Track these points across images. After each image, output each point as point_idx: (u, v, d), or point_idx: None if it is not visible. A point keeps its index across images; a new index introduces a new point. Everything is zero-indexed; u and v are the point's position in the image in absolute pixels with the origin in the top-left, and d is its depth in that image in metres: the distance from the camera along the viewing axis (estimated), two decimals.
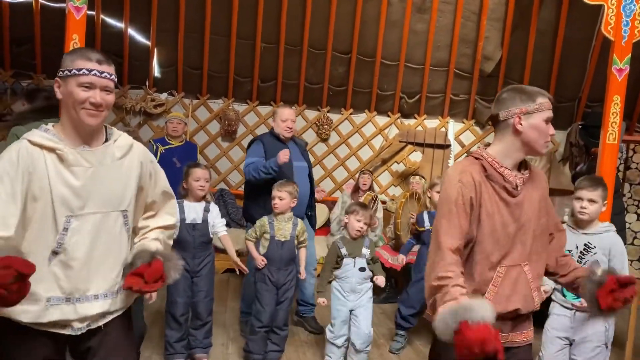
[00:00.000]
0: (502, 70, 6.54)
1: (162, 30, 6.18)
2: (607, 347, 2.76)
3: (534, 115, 1.79)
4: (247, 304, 3.86)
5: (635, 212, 6.16)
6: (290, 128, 3.91)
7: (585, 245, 2.72)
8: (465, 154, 6.93)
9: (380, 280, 3.28)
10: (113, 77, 1.69)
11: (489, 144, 1.91)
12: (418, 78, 6.67)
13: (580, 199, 2.71)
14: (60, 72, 1.66)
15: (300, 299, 4.12)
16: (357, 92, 6.75)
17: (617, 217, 4.34)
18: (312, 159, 4.98)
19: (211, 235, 3.35)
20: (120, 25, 6.08)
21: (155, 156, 4.87)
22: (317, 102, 6.79)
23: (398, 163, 6.94)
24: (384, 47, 6.40)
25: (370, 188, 5.56)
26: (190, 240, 3.24)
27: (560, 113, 6.36)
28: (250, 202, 3.91)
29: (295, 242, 3.43)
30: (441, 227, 1.78)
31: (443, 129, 6.87)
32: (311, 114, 6.85)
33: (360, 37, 6.32)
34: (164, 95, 6.49)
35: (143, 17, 6.08)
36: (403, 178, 6.84)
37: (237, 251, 5.47)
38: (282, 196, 3.36)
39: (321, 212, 5.98)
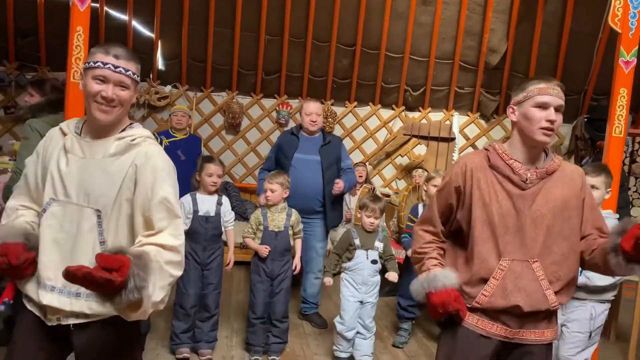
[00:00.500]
0: (508, 62, 6.50)
1: (166, 23, 6.17)
2: (590, 336, 2.72)
3: (523, 104, 1.83)
4: None
5: None
6: (315, 121, 3.95)
7: None
8: (470, 147, 6.91)
9: (393, 277, 3.29)
10: (130, 73, 1.64)
11: (508, 138, 1.94)
12: (423, 70, 6.63)
13: None
14: (83, 65, 1.67)
15: (303, 297, 4.13)
16: (361, 85, 6.73)
17: (623, 211, 4.31)
18: None
19: (222, 229, 3.37)
20: (124, 17, 6.07)
21: None
22: (321, 94, 6.77)
23: (402, 156, 6.92)
24: (388, 39, 6.37)
25: (367, 180, 5.53)
26: (203, 233, 3.26)
27: (566, 106, 6.27)
28: None
29: (290, 232, 3.45)
30: (426, 211, 2.04)
31: (447, 122, 6.85)
32: None
33: (365, 29, 6.29)
34: (168, 88, 6.49)
35: (147, 9, 6.07)
36: (407, 171, 6.82)
37: (240, 244, 5.53)
38: (274, 188, 3.38)
39: None
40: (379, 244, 3.33)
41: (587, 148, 6.35)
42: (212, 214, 3.31)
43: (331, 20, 6.24)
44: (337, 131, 6.87)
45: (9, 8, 5.69)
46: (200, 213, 3.27)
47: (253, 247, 3.41)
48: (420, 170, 5.57)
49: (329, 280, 3.29)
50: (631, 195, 6.01)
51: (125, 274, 1.38)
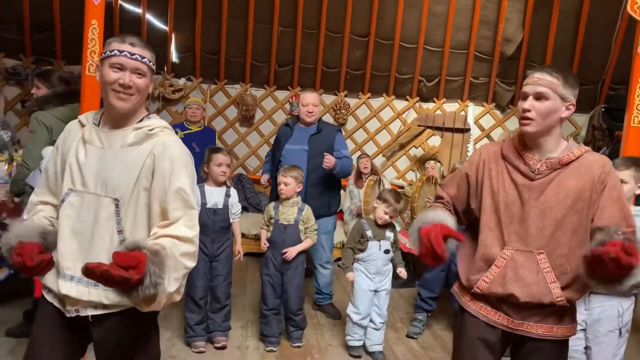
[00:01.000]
0: (523, 52, 6.42)
1: (179, 16, 6.19)
2: (621, 333, 2.68)
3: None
4: None
5: None
6: (311, 112, 3.89)
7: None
8: (485, 138, 6.86)
9: (403, 273, 3.32)
10: (146, 60, 1.65)
11: None
12: (437, 61, 6.58)
13: None
14: (100, 56, 1.69)
15: (317, 288, 4.15)
16: (375, 76, 6.70)
17: None
18: None
19: (231, 221, 3.38)
20: (138, 10, 6.10)
21: None
22: (335, 86, 6.76)
23: (416, 147, 6.89)
24: (402, 29, 6.32)
25: (373, 171, 5.50)
26: (211, 225, 3.27)
27: (583, 96, 6.18)
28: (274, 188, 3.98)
29: (301, 227, 3.43)
30: (438, 189, 2.13)
31: (462, 113, 6.79)
32: (328, 99, 6.82)
33: (379, 19, 6.25)
34: (182, 81, 6.52)
35: (161, 2, 6.10)
36: (421, 163, 6.79)
37: (255, 235, 5.56)
38: (287, 181, 3.38)
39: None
40: (389, 234, 3.36)
41: (604, 138, 6.26)
42: (220, 206, 3.31)
43: (344, 11, 6.21)
44: (351, 123, 6.86)
45: (25, 3, 5.75)
46: (209, 205, 3.28)
47: (262, 239, 3.45)
48: (433, 161, 5.55)
49: (351, 276, 3.31)
50: None
51: (142, 271, 1.40)
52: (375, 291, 3.34)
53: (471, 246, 1.95)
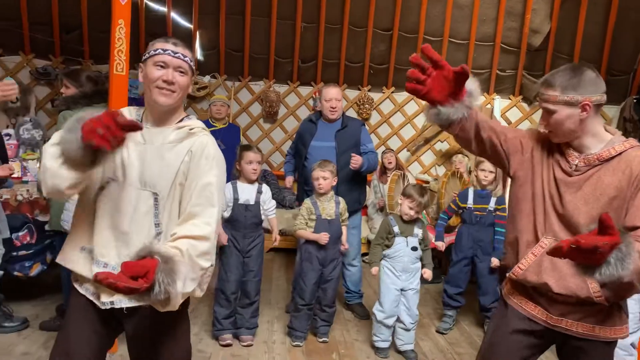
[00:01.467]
0: (551, 43, 6.28)
1: (204, 13, 6.24)
2: None
3: None
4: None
5: None
6: (334, 108, 3.86)
7: None
8: None
9: (428, 274, 3.28)
10: (187, 59, 1.71)
11: None
12: (462, 54, 6.49)
13: None
14: (142, 58, 1.73)
15: (345, 287, 4.14)
16: (399, 70, 6.64)
17: None
18: None
19: (262, 217, 3.41)
20: (163, 9, 6.18)
21: None
22: (358, 81, 6.73)
23: (442, 142, 6.82)
24: (426, 22, 6.26)
25: (397, 166, 5.47)
26: (242, 220, 3.32)
27: (613, 87, 6.06)
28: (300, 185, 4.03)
29: (340, 219, 3.50)
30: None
31: (489, 106, 6.69)
32: (352, 94, 6.80)
33: (402, 13, 6.19)
34: (206, 78, 6.58)
35: (185, 0, 6.15)
36: (447, 157, 6.72)
37: (280, 230, 5.60)
38: (326, 176, 3.41)
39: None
40: (418, 230, 3.32)
41: (636, 130, 6.09)
42: (252, 202, 3.35)
43: (368, 5, 6.17)
44: (374, 117, 6.82)
45: (54, 5, 5.87)
46: (241, 201, 3.32)
47: (310, 237, 3.41)
48: (460, 155, 5.48)
49: (375, 270, 3.30)
50: None
51: (151, 279, 1.42)
52: (402, 290, 3.29)
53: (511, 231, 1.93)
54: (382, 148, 6.77)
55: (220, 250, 3.39)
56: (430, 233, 4.92)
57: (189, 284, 1.56)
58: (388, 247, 3.31)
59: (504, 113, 6.75)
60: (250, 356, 3.24)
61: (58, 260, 1.75)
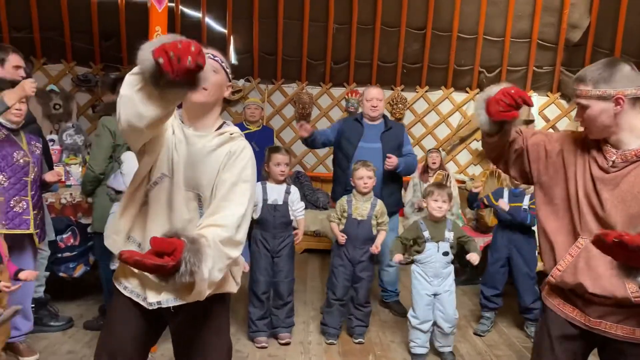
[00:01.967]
0: (591, 38, 6.10)
1: (237, 18, 6.33)
2: None
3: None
4: None
5: None
6: (376, 107, 3.89)
7: None
8: (550, 130, 6.58)
9: (474, 258, 3.20)
10: (218, 59, 1.75)
11: None
12: (498, 51, 6.38)
13: None
14: None
15: (382, 286, 4.13)
16: (432, 69, 6.58)
17: None
18: None
19: (291, 217, 3.44)
20: (198, 15, 6.28)
21: None
22: (391, 81, 6.69)
23: (478, 141, 6.70)
24: (460, 20, 6.17)
25: (441, 166, 5.42)
26: (271, 221, 3.35)
27: None
28: (335, 184, 4.02)
29: (374, 222, 3.46)
30: None
31: None
32: (384, 94, 6.74)
33: (436, 11, 6.13)
34: (241, 82, 6.66)
35: (219, 5, 6.25)
36: (483, 156, 6.61)
37: (314, 232, 5.61)
38: (371, 175, 3.44)
39: None
40: (449, 235, 3.25)
41: None
42: (280, 202, 3.38)
43: (400, 4, 6.14)
44: (408, 117, 6.77)
45: (94, 14, 6.05)
46: (269, 201, 3.36)
47: (335, 232, 3.49)
48: None
49: (399, 257, 3.27)
50: None
51: (178, 257, 1.40)
52: (435, 294, 3.23)
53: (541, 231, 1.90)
54: (417, 148, 6.72)
55: (250, 251, 3.45)
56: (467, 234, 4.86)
57: (215, 273, 1.56)
58: (418, 252, 3.27)
59: (541, 110, 6.60)
60: (286, 356, 3.27)
61: (106, 243, 1.78)
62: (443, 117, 6.74)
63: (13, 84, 2.82)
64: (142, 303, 1.74)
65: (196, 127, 1.77)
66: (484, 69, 6.53)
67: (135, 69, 1.42)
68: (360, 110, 6.45)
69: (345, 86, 6.73)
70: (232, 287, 1.82)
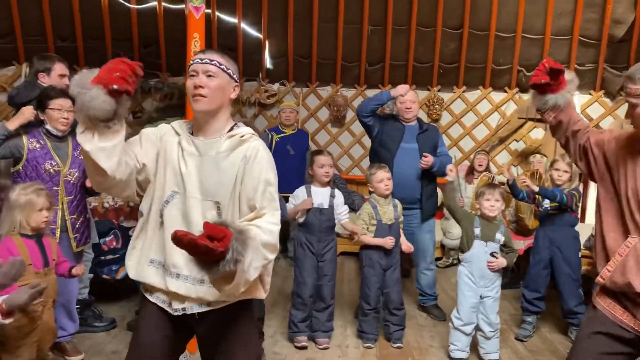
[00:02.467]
0: (636, 33, 5.89)
1: (272, 22, 6.38)
2: None
3: None
4: None
5: None
6: (410, 108, 3.86)
7: None
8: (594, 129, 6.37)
9: (501, 262, 3.11)
10: (215, 62, 1.72)
11: None
12: (537, 49, 6.22)
13: None
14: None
15: (419, 289, 4.09)
16: (469, 69, 6.48)
17: None
18: None
19: (336, 221, 3.44)
20: (233, 20, 6.37)
21: (271, 145, 5.08)
22: (427, 81, 6.62)
23: (517, 141, 6.56)
24: (498, 18, 6.06)
25: (487, 169, 5.34)
26: (317, 224, 3.36)
27: None
28: None
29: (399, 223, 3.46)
30: None
31: None
32: (421, 94, 6.67)
33: (472, 10, 6.04)
34: (276, 86, 6.71)
35: (255, 10, 6.32)
36: (523, 157, 6.45)
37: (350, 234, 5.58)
38: (389, 176, 3.41)
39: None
40: (500, 236, 3.17)
41: None
42: (326, 205, 3.39)
43: (436, 4, 6.07)
44: (445, 118, 6.68)
45: (133, 22, 6.21)
46: (315, 205, 3.37)
47: (374, 242, 3.38)
48: (539, 155, 5.25)
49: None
50: None
51: (227, 244, 1.41)
52: (481, 297, 3.16)
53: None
54: (454, 150, 6.63)
55: (296, 254, 3.47)
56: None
57: (252, 270, 1.55)
58: (463, 251, 3.23)
59: (584, 109, 6.40)
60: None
61: (131, 276, 1.81)
62: (481, 117, 6.62)
63: (61, 91, 2.95)
64: (167, 309, 1.76)
65: (206, 134, 1.76)
66: (523, 67, 6.38)
67: (80, 120, 1.52)
68: (395, 111, 6.47)
69: (380, 87, 6.69)
70: (260, 294, 1.81)
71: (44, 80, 3.24)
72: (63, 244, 2.87)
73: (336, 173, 6.57)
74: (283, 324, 3.63)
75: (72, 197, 3.02)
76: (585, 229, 4.12)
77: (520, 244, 4.57)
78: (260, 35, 6.47)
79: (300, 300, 3.38)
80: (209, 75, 1.72)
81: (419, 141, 3.83)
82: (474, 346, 3.28)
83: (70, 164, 3.01)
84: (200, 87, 1.70)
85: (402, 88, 3.87)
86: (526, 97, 6.54)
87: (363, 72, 6.61)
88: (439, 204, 5.39)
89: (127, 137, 1.66)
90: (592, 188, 5.82)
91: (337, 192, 3.48)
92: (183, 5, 5.98)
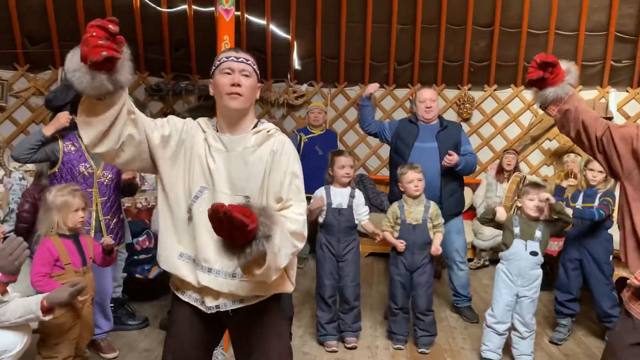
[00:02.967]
0: None
1: (300, 23, 6.41)
2: None
3: None
4: None
5: None
6: (429, 107, 3.81)
7: None
8: None
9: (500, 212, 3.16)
10: (250, 62, 1.77)
11: None
12: (571, 46, 6.08)
13: None
14: (211, 72, 1.82)
15: (452, 290, 4.04)
16: (501, 67, 6.38)
17: None
18: None
19: (356, 221, 3.42)
20: (262, 22, 6.42)
21: (299, 146, 5.09)
22: (457, 80, 6.54)
23: (550, 140, 6.41)
24: (530, 15, 5.95)
25: (516, 168, 5.24)
26: (336, 224, 3.35)
27: None
28: (393, 186, 3.94)
29: (430, 225, 3.37)
30: None
31: (603, 100, 6.19)
32: (451, 93, 6.61)
33: (503, 7, 5.94)
34: (304, 86, 6.74)
35: (283, 11, 6.35)
36: (557, 157, 6.30)
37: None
38: (421, 177, 3.35)
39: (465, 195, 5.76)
40: (538, 233, 3.09)
41: None
42: (345, 206, 3.36)
43: (466, 1, 5.99)
44: (476, 117, 6.59)
45: (165, 25, 6.32)
46: (334, 205, 3.35)
47: (391, 241, 3.40)
48: (572, 154, 5.14)
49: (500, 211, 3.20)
50: None
51: (256, 220, 1.40)
52: (517, 296, 3.10)
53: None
54: (486, 149, 6.53)
55: (316, 255, 3.46)
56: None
57: (282, 257, 1.54)
58: (500, 251, 3.19)
59: (620, 107, 6.22)
60: None
61: (162, 266, 1.83)
62: (513, 116, 6.51)
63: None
64: (200, 307, 1.78)
65: (233, 131, 1.78)
66: None
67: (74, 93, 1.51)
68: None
69: (409, 87, 6.64)
70: (288, 287, 1.83)
71: None
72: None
73: (364, 173, 6.56)
74: (312, 324, 3.63)
75: (106, 198, 3.09)
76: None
77: (554, 246, 4.47)
78: (289, 37, 6.50)
79: (323, 301, 3.38)
80: (245, 75, 1.75)
81: (438, 140, 3.77)
82: (507, 347, 3.22)
83: (104, 166, 3.08)
84: (238, 85, 1.72)
85: (371, 87, 3.98)
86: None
87: (392, 71, 6.58)
88: (466, 204, 5.35)
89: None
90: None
91: (357, 192, 3.44)
92: (213, 8, 6.10)
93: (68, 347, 2.52)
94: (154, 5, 6.13)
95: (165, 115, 6.44)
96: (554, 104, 1.91)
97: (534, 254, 3.07)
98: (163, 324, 3.56)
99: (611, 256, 3.60)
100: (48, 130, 2.96)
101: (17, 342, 2.22)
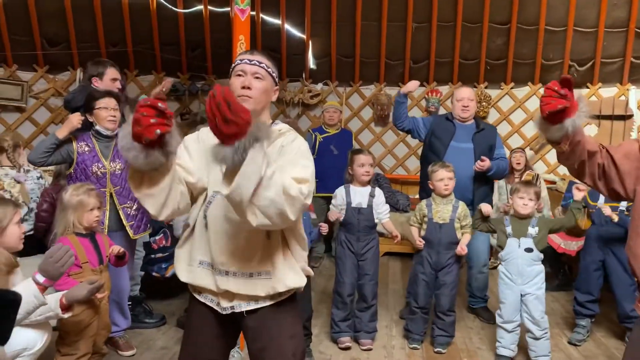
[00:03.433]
0: None
1: (315, 22, 6.41)
2: None
3: None
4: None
5: None
6: (467, 107, 3.77)
7: None
8: None
9: (486, 209, 3.21)
10: (263, 65, 1.76)
11: None
12: (590, 43, 5.99)
13: None
14: (229, 74, 1.83)
15: (469, 292, 4.02)
16: (518, 64, 6.31)
17: None
18: None
19: (375, 221, 3.41)
20: (277, 21, 6.43)
21: (314, 145, 5.10)
22: (474, 78, 6.48)
23: None
24: (548, 12, 5.87)
25: (527, 167, 5.16)
26: (355, 224, 3.35)
27: None
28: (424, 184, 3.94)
29: (457, 224, 3.34)
30: None
31: (622, 97, 6.09)
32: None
33: (520, 4, 5.87)
34: (319, 86, 6.73)
35: (298, 11, 6.36)
36: None
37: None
38: (451, 176, 3.34)
39: None
40: (532, 230, 3.10)
41: None
42: (365, 205, 3.36)
43: None
44: (493, 115, 6.52)
45: (181, 26, 6.36)
46: (353, 204, 3.36)
47: (414, 237, 3.42)
48: None
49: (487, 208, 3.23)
50: None
51: (250, 117, 1.35)
52: (522, 295, 3.09)
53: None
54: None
55: (336, 252, 3.46)
56: (558, 237, 4.59)
57: (263, 190, 1.42)
58: (501, 249, 3.20)
59: None
60: None
61: (181, 279, 1.83)
62: (530, 114, 6.42)
63: (105, 91, 3.06)
64: (216, 308, 1.79)
65: None
66: (574, 62, 6.16)
67: (130, 173, 1.53)
68: (440, 109, 6.36)
69: (425, 85, 6.60)
70: (301, 280, 1.80)
71: (97, 84, 3.37)
72: (116, 242, 2.94)
73: (380, 172, 6.53)
74: (327, 323, 3.63)
75: (120, 187, 3.10)
76: None
77: (573, 245, 4.42)
78: (304, 36, 6.50)
79: (340, 299, 3.38)
80: (257, 77, 1.75)
81: (474, 141, 3.74)
82: (526, 350, 3.19)
83: (112, 157, 3.10)
84: (248, 88, 1.73)
85: (411, 85, 3.90)
86: (578, 92, 6.30)
87: (407, 70, 6.54)
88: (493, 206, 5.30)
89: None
90: None
91: (377, 191, 3.44)
92: (228, 8, 6.13)
93: (86, 344, 2.56)
94: (170, 6, 6.18)
95: (182, 116, 6.50)
96: (566, 137, 1.66)
97: (528, 250, 3.08)
98: (180, 322, 3.59)
99: None
100: (61, 132, 3.00)
101: (37, 339, 2.25)
